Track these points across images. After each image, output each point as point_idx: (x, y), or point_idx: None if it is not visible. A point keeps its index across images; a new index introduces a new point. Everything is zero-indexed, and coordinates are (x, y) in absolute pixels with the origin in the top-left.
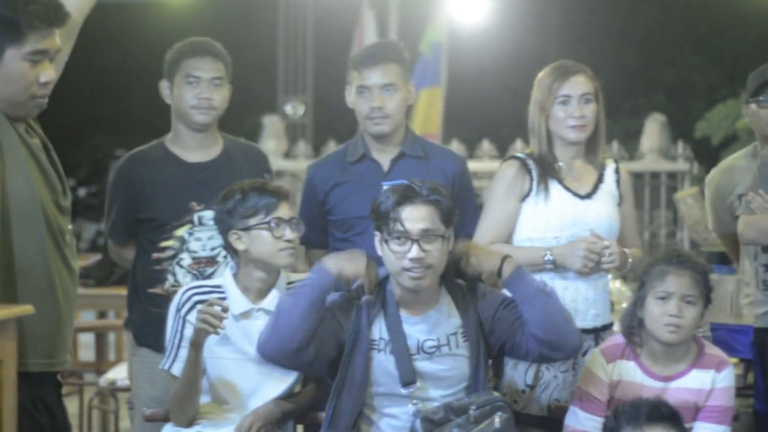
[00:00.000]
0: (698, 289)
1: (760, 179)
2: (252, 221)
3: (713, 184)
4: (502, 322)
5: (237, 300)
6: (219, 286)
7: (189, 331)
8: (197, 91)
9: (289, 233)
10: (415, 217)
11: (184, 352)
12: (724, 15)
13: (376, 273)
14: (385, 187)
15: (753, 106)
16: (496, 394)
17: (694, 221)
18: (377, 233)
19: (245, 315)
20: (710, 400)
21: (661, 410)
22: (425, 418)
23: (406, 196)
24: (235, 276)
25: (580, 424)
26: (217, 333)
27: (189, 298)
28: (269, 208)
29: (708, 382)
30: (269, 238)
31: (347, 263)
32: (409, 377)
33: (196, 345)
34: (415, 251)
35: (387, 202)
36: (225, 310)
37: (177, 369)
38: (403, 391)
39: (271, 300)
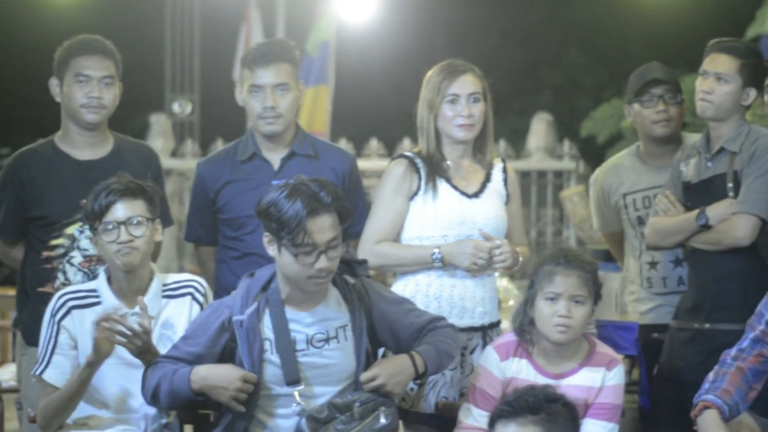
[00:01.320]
0: (586, 289)
1: (670, 180)
2: (94, 225)
3: (597, 184)
4: (395, 324)
5: (112, 304)
6: (95, 290)
7: (63, 337)
8: (87, 89)
9: (123, 235)
10: (322, 228)
11: (58, 359)
12: (609, 15)
13: (246, 392)
14: (283, 193)
15: (636, 105)
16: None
17: (580, 219)
18: (269, 235)
19: (144, 312)
20: (600, 397)
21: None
22: (310, 417)
23: (314, 207)
24: (109, 279)
25: (474, 420)
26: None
27: (64, 304)
28: (102, 212)
29: (598, 380)
30: (104, 241)
31: (216, 390)
32: (293, 376)
33: (94, 364)
34: (323, 262)
35: (291, 210)
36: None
37: (49, 375)
38: (289, 390)
39: (147, 304)
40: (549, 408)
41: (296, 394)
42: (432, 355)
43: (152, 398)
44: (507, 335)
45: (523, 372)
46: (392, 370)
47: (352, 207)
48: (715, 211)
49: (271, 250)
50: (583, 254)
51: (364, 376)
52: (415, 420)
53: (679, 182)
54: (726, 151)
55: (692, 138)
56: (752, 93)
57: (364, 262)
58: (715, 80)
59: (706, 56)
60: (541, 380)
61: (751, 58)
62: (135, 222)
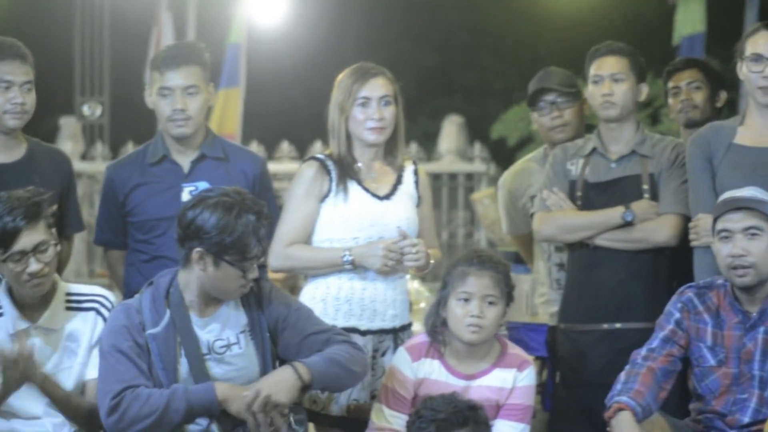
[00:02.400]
0: (499, 289)
1: (554, 177)
2: None
3: (506, 187)
4: (290, 329)
5: (13, 318)
6: None
7: None
8: (10, 95)
9: (33, 265)
10: (265, 237)
11: None
12: (520, 17)
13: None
14: (226, 213)
15: (534, 114)
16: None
17: (490, 221)
18: (204, 251)
19: (23, 333)
20: (511, 398)
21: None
22: (221, 420)
23: (257, 228)
24: (10, 291)
25: (386, 421)
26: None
27: None
28: (7, 240)
29: (509, 381)
30: (12, 272)
31: (236, 403)
32: (203, 380)
33: (3, 398)
34: (254, 271)
35: (247, 231)
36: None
37: None
38: None
39: (49, 317)
40: (474, 417)
41: None
42: (319, 365)
43: (155, 422)
44: (419, 336)
45: (435, 373)
46: (272, 380)
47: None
48: (638, 209)
49: (201, 265)
50: (496, 255)
51: (248, 396)
52: (327, 423)
53: (566, 180)
54: (636, 154)
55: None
56: (644, 89)
57: (262, 266)
58: (612, 81)
59: (593, 62)
60: (452, 381)
61: (635, 55)
62: (42, 249)
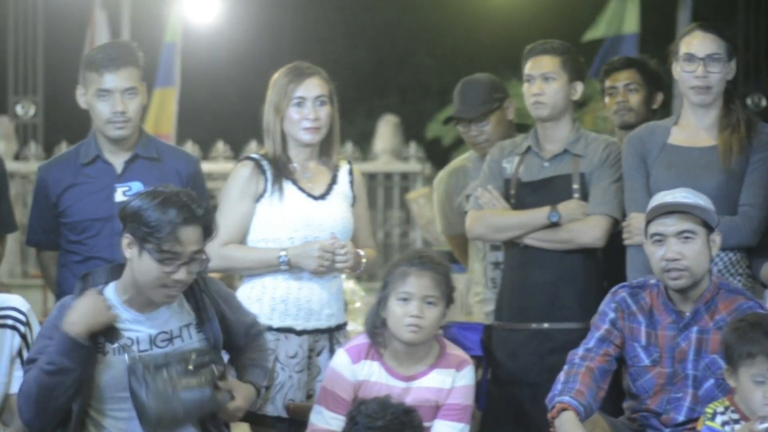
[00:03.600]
0: (439, 290)
1: (489, 175)
2: None
3: (441, 186)
4: (229, 321)
5: None
6: None
7: None
8: None
9: None
10: (191, 239)
11: None
12: (455, 17)
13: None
14: (157, 199)
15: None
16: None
17: (426, 221)
18: (129, 236)
19: None
20: (450, 398)
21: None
22: (143, 359)
23: (187, 217)
24: None
25: (326, 423)
26: None
27: None
28: None
29: (448, 382)
30: None
31: (91, 319)
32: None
33: None
34: (182, 274)
35: (164, 216)
36: None
37: None
38: (126, 394)
39: None
40: (410, 422)
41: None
42: (262, 380)
43: (40, 400)
44: (359, 337)
45: (375, 374)
46: (249, 398)
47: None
48: (564, 209)
49: (129, 253)
50: (437, 256)
51: (234, 407)
52: (264, 423)
53: (501, 178)
54: (568, 153)
55: None
56: (579, 87)
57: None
58: (543, 81)
59: (527, 61)
60: (392, 382)
61: (570, 54)
62: None
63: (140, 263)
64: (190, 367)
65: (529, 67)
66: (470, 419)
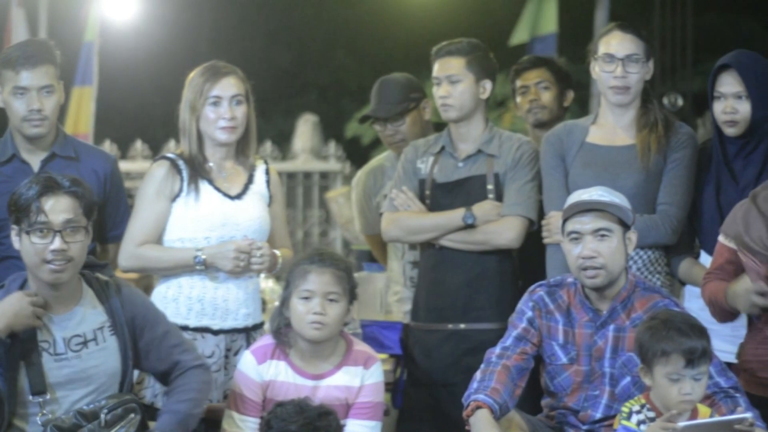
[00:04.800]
0: (341, 287)
1: (404, 176)
2: None
3: (359, 186)
4: (147, 333)
5: None
6: None
7: None
8: None
9: None
10: (57, 208)
11: None
12: (374, 16)
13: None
14: (25, 181)
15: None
16: (128, 396)
17: (345, 220)
18: (15, 226)
19: None
20: (360, 396)
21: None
22: (55, 427)
23: (48, 186)
24: None
25: (236, 427)
26: None
27: None
28: None
29: (357, 379)
30: None
31: (13, 318)
32: (38, 387)
33: None
34: (57, 243)
35: (28, 193)
36: None
37: None
38: (33, 399)
39: None
40: (326, 425)
41: (41, 403)
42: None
43: None
44: (264, 338)
45: (282, 374)
46: None
47: (112, 208)
48: (479, 211)
49: (17, 243)
50: (337, 254)
51: None
52: None
53: (416, 179)
54: (482, 153)
55: None
56: (488, 85)
57: (105, 265)
58: (449, 83)
59: (434, 63)
60: (300, 381)
61: (476, 52)
62: None
63: (23, 247)
64: (103, 425)
65: (436, 70)
66: (381, 416)
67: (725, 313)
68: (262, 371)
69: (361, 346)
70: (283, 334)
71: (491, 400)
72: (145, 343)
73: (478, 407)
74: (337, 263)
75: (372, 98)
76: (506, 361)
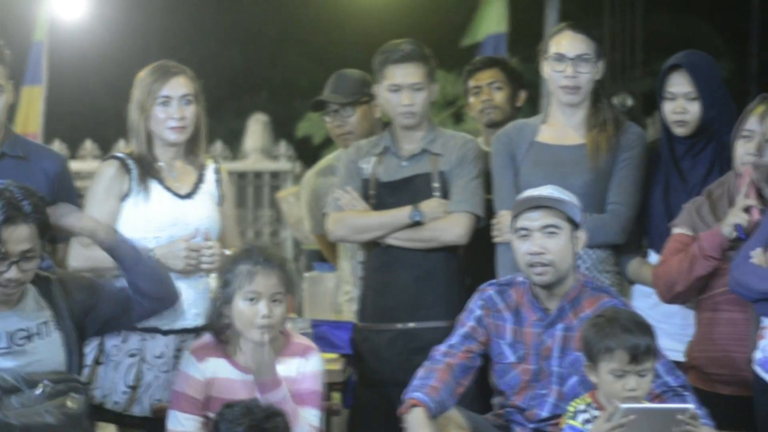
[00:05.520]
0: (284, 286)
1: (347, 176)
2: None
3: (309, 186)
4: (95, 307)
5: None
6: None
7: None
8: None
9: None
10: (16, 238)
11: None
12: (326, 16)
13: None
14: None
15: (325, 118)
16: (74, 376)
17: (295, 220)
18: None
19: None
20: (299, 384)
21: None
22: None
23: (11, 216)
24: None
25: (181, 426)
26: None
27: None
28: None
29: (294, 370)
30: None
31: None
32: None
33: None
34: (13, 272)
35: None
36: None
37: None
38: None
39: None
40: (274, 427)
41: None
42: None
43: None
44: (204, 337)
45: (223, 371)
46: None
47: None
48: (426, 209)
49: None
50: (276, 251)
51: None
52: (131, 424)
53: (359, 179)
54: (427, 152)
55: None
56: (435, 88)
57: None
58: (412, 91)
59: (387, 68)
60: (240, 377)
61: (430, 57)
62: None
63: None
64: (43, 394)
65: (395, 77)
66: (320, 405)
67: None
68: (203, 369)
69: (299, 339)
70: (222, 333)
71: (428, 398)
72: (95, 316)
73: (414, 405)
74: (282, 263)
75: (326, 87)
76: (450, 359)
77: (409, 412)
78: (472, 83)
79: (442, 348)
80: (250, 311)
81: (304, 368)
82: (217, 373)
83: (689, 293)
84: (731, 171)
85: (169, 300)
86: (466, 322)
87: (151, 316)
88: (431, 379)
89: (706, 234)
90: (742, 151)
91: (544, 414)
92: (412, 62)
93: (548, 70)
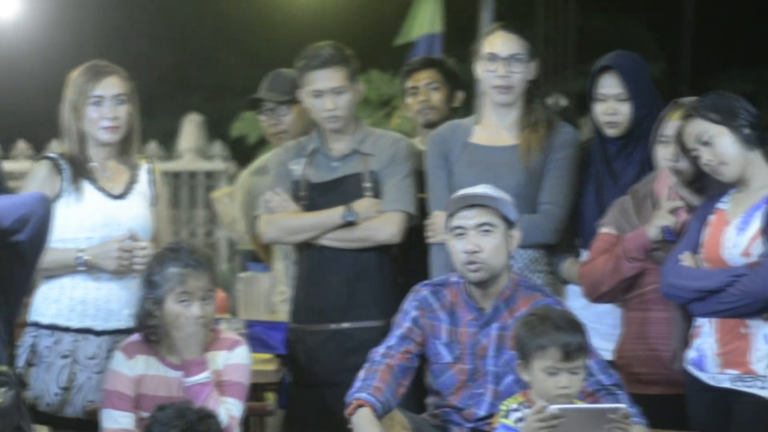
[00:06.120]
0: (213, 284)
1: (277, 178)
2: None
3: (243, 186)
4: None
5: None
6: None
7: None
8: None
9: None
10: None
11: None
12: (260, 16)
13: None
14: None
15: (260, 117)
16: (4, 368)
17: (230, 220)
18: None
19: None
20: (224, 375)
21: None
22: None
23: None
24: None
25: (116, 423)
26: None
27: None
28: None
29: (221, 362)
30: None
31: None
32: None
33: None
34: None
35: None
36: None
37: None
38: None
39: None
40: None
41: None
42: None
43: None
44: (133, 336)
45: (152, 368)
46: None
47: None
48: (359, 208)
49: None
50: (202, 249)
51: None
52: (64, 425)
53: (289, 180)
54: (357, 153)
55: None
56: (360, 87)
57: None
58: (335, 95)
59: (309, 77)
60: (171, 374)
61: (351, 59)
62: None
63: None
64: None
65: (316, 82)
66: (244, 397)
67: (612, 279)
68: (133, 366)
69: (227, 334)
70: (152, 332)
71: (373, 398)
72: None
73: (360, 406)
74: (209, 262)
75: (263, 86)
76: (390, 360)
77: (356, 412)
78: (409, 83)
79: (380, 350)
80: (184, 313)
81: (230, 360)
82: (147, 370)
83: (615, 293)
84: (655, 172)
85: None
86: (402, 323)
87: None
88: (374, 379)
89: (630, 235)
90: (661, 155)
91: (482, 413)
92: (333, 66)
93: (481, 70)
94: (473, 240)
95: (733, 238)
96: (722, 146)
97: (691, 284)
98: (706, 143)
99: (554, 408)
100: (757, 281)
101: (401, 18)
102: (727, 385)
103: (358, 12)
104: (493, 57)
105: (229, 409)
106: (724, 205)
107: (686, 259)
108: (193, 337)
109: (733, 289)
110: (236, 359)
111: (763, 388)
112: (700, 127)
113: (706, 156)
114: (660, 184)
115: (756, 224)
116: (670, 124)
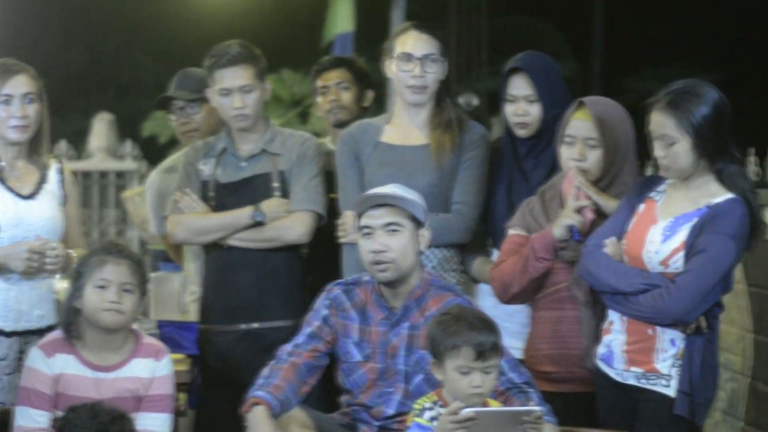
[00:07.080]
0: (135, 278)
1: (186, 178)
2: None
3: (153, 186)
4: None
5: None
6: None
7: None
8: None
9: None
10: None
11: None
12: (172, 15)
13: None
14: None
15: (170, 116)
16: None
17: (141, 220)
18: None
19: None
20: (151, 389)
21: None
22: None
23: None
24: None
25: (33, 421)
26: None
27: None
28: None
29: (148, 371)
30: None
31: None
32: None
33: None
34: None
35: None
36: None
37: None
38: None
39: None
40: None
41: None
42: None
43: None
44: (53, 333)
45: (71, 367)
46: None
47: None
48: (267, 208)
49: None
50: (130, 248)
51: None
52: None
53: (198, 180)
54: (266, 152)
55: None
56: (268, 86)
57: None
58: (242, 93)
59: (216, 75)
60: (89, 374)
61: (259, 57)
62: None
63: None
64: None
65: (224, 80)
66: (173, 409)
67: (522, 280)
68: (51, 364)
69: (149, 339)
70: (73, 328)
71: (271, 396)
72: None
73: (255, 404)
74: (132, 256)
75: (172, 84)
76: (295, 358)
77: (251, 410)
78: (319, 83)
79: (287, 347)
80: (100, 297)
81: (157, 371)
82: (66, 369)
83: (526, 294)
84: (562, 172)
85: None
86: (313, 322)
87: None
88: (275, 378)
89: (537, 236)
90: (566, 155)
91: (390, 411)
92: (240, 65)
93: (394, 69)
94: (380, 240)
95: (656, 243)
96: (679, 153)
97: (605, 279)
98: (665, 142)
99: (469, 411)
100: (668, 302)
101: (314, 18)
102: (632, 382)
103: (271, 12)
104: (407, 57)
105: (159, 427)
106: (657, 195)
107: (609, 246)
108: (110, 327)
109: (643, 299)
110: (164, 371)
111: (666, 386)
112: (667, 124)
113: (660, 151)
114: (566, 184)
115: (681, 237)
116: (573, 124)
